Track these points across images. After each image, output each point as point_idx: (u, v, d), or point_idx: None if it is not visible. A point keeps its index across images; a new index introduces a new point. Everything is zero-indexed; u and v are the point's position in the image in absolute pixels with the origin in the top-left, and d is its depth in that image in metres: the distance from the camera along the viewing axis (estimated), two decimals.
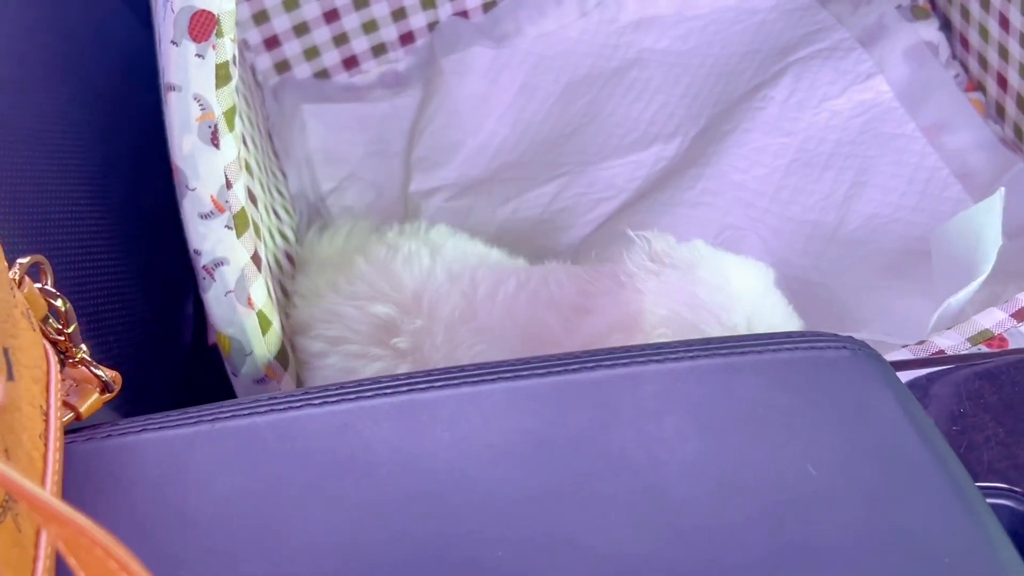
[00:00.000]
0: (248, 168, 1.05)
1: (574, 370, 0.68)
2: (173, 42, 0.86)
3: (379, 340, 0.98)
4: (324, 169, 1.43)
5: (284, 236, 1.18)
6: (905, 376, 0.76)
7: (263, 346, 0.94)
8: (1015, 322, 0.87)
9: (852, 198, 1.20)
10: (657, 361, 0.69)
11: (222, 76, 0.88)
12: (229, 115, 0.90)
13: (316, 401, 0.66)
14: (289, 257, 1.16)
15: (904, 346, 0.88)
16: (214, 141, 0.89)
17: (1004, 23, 1.17)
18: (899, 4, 1.33)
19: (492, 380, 0.67)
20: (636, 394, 0.67)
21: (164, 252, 1.10)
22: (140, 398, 1.02)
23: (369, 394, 0.66)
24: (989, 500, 0.63)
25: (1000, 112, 1.23)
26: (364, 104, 1.50)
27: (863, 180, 1.21)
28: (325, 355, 0.99)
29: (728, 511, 0.60)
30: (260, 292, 0.94)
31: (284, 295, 1.07)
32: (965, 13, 1.25)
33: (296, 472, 0.62)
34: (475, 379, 0.67)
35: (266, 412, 0.66)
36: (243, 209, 0.92)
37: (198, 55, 0.87)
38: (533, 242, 1.29)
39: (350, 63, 1.53)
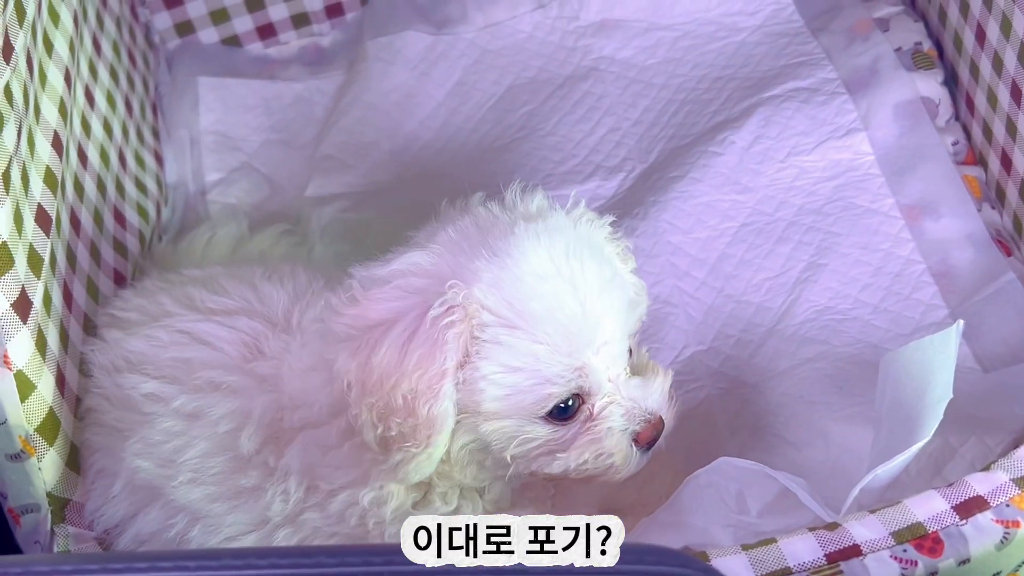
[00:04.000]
0: (51, 177, 0.85)
1: None
2: None
3: (239, 366, 0.79)
4: (213, 156, 1.23)
5: (121, 248, 0.99)
6: None
7: (20, 415, 0.76)
8: (956, 518, 0.67)
9: (806, 283, 1.00)
10: None
11: None
12: None
13: None
14: (120, 277, 0.97)
15: (811, 529, 0.68)
16: None
17: (1016, 94, 0.95)
18: (900, 47, 1.11)
19: None
20: None
21: None
22: None
23: None
24: None
25: (1000, 196, 1.02)
26: (275, 83, 1.30)
27: (822, 263, 1.00)
28: (164, 398, 0.79)
29: None
30: (23, 347, 0.75)
31: (85, 330, 0.87)
32: (975, 70, 1.03)
33: None
34: None
35: None
36: (4, 244, 0.73)
37: None
38: None
39: (266, 31, 1.32)
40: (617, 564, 0.53)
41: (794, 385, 0.93)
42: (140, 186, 1.10)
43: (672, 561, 0.52)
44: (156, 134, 1.20)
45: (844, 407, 0.90)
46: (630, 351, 0.76)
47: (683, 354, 0.99)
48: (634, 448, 0.75)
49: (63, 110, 0.90)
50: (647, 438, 0.75)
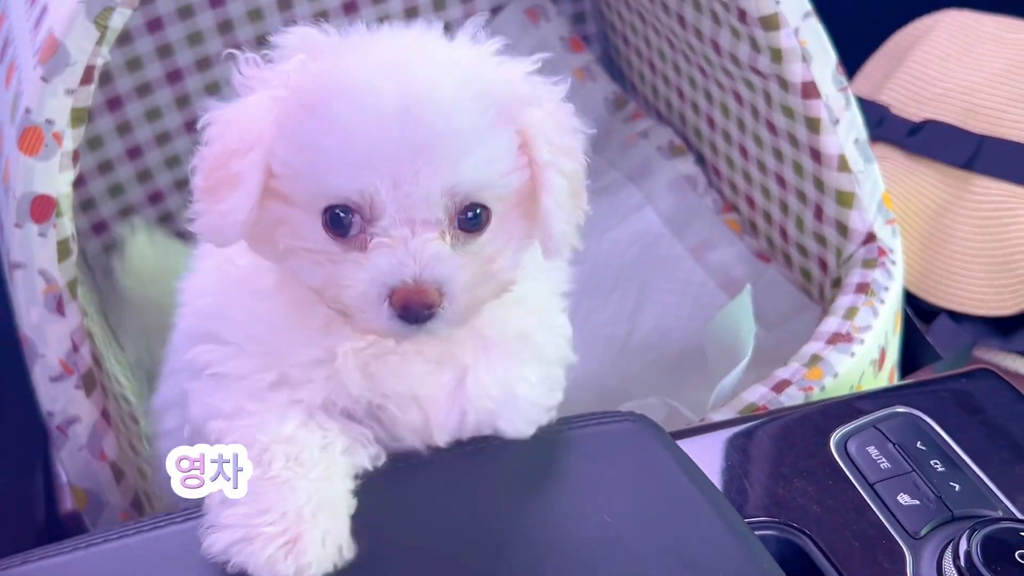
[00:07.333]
0: (92, 335, 1.13)
1: None
2: (16, 225, 0.96)
3: None
4: (161, 335, 1.50)
5: (127, 400, 1.26)
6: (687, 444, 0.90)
7: (118, 495, 1.02)
8: (775, 394, 1.03)
9: (637, 312, 1.37)
10: None
11: (63, 251, 0.97)
12: (72, 285, 0.99)
13: None
14: (134, 419, 1.24)
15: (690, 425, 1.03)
16: (59, 309, 0.98)
17: (744, 153, 1.37)
18: (659, 146, 1.53)
19: None
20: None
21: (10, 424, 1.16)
22: None
23: None
24: (757, 532, 0.77)
25: (753, 227, 1.42)
26: None
27: (644, 297, 1.38)
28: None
29: (543, 557, 0.73)
30: (112, 445, 1.02)
31: (134, 451, 1.14)
32: (713, 148, 1.46)
33: None
34: None
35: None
36: (90, 369, 1.01)
37: (40, 234, 0.96)
38: None
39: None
40: (576, 425, 0.84)
41: (649, 379, 1.29)
42: (118, 362, 1.36)
43: (615, 418, 0.84)
44: (112, 329, 1.48)
45: (685, 381, 1.26)
46: (461, 223, 0.70)
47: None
48: (382, 305, 0.66)
49: None
50: (401, 301, 0.66)
